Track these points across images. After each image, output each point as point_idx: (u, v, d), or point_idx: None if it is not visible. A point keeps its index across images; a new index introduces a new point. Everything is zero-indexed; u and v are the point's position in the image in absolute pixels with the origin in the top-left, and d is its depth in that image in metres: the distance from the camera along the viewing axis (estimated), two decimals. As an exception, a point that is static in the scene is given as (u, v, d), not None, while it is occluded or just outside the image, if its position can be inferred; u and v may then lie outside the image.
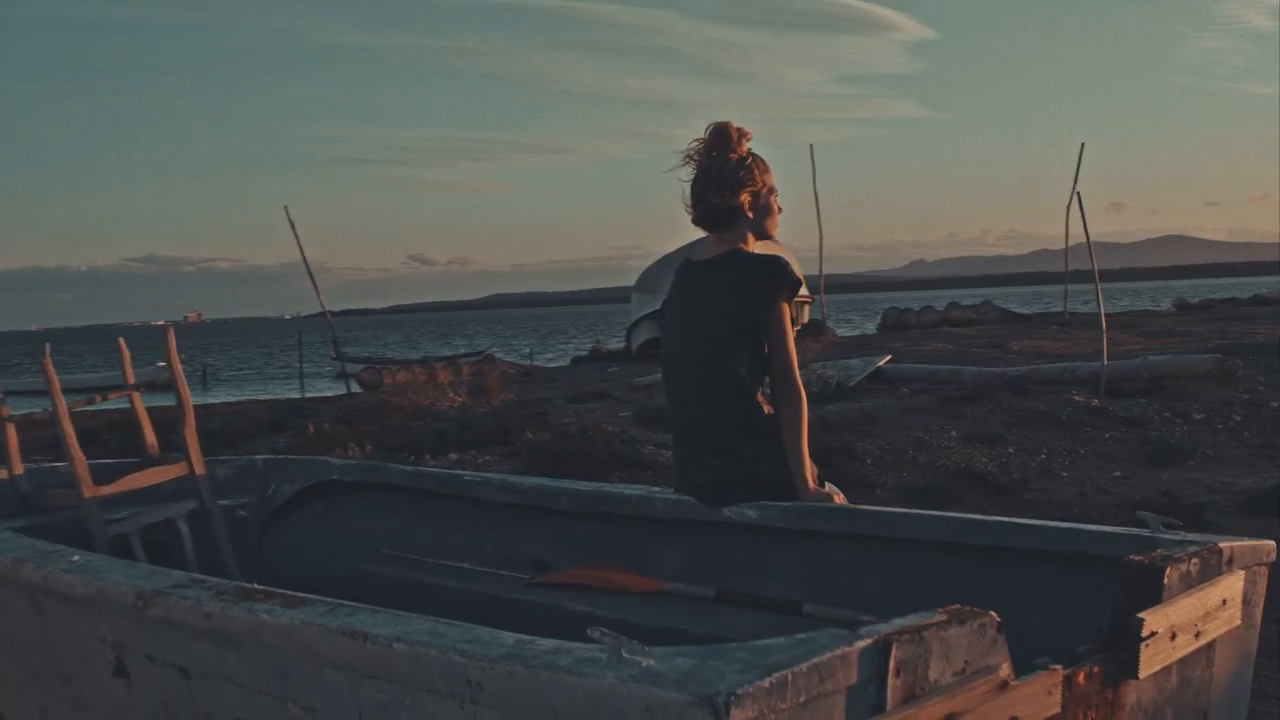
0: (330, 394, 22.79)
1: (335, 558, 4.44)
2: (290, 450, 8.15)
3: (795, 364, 3.52)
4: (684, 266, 3.67)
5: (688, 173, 3.66)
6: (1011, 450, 8.03)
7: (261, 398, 23.19)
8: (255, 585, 2.38)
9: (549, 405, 12.02)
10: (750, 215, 3.58)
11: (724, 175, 3.52)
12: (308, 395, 22.28)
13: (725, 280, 3.48)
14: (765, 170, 3.60)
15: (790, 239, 29.43)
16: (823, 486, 3.53)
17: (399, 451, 7.93)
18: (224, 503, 4.54)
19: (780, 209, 3.66)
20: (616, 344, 33.70)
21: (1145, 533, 2.71)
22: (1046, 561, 2.89)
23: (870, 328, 35.90)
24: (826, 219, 28.24)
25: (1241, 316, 23.31)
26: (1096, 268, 10.41)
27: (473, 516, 4.22)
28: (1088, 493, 7.12)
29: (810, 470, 3.52)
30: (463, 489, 4.21)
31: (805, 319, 29.19)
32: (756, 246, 3.63)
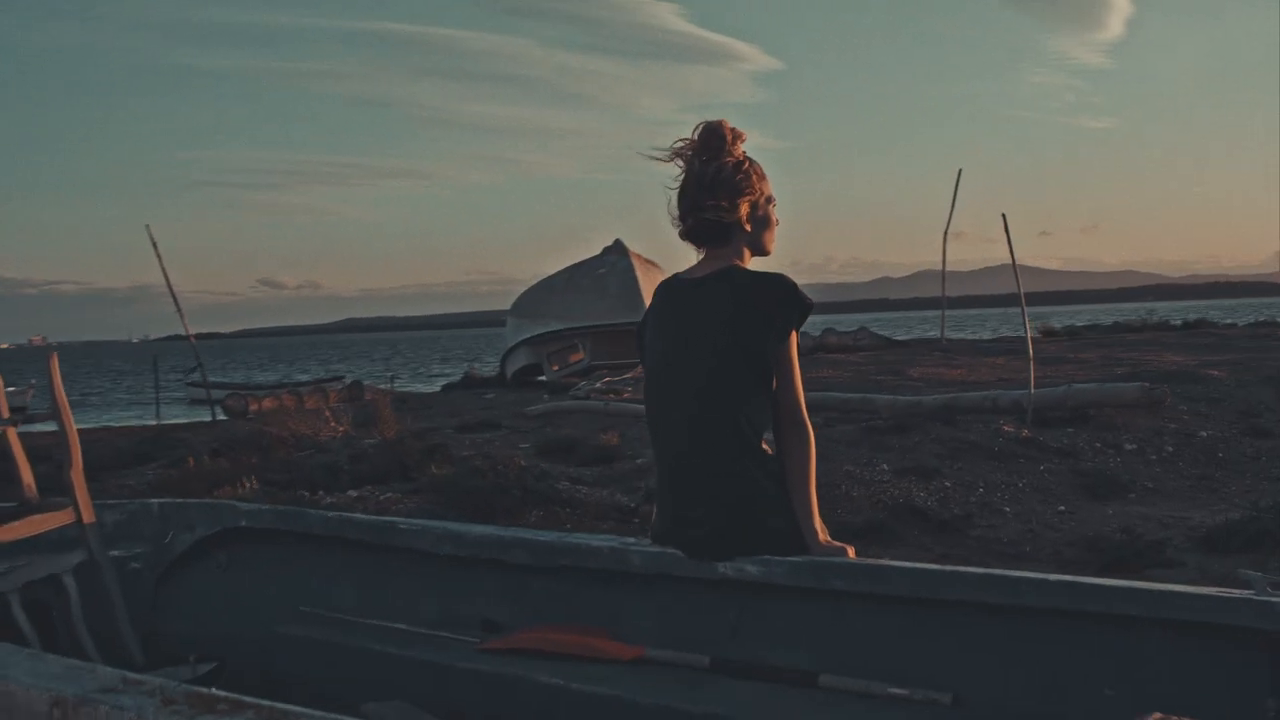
0: (187, 420, 21.87)
1: (245, 617, 3.96)
2: (166, 486, 7.56)
3: (803, 400, 3.18)
4: (668, 286, 3.30)
5: (671, 178, 3.31)
6: (949, 484, 7.82)
7: (116, 425, 22.20)
8: (217, 692, 1.93)
9: (438, 435, 11.53)
10: (748, 228, 3.24)
11: (719, 183, 3.17)
12: (165, 421, 21.37)
13: (722, 301, 3.13)
14: (763, 177, 3.26)
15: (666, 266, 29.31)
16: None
17: (289, 487, 7.40)
18: (115, 554, 4.04)
19: (778, 221, 3.33)
20: (490, 370, 33.25)
21: (1249, 594, 2.42)
22: (1123, 627, 2.59)
23: None
24: (677, 247, 28.22)
25: (1121, 343, 23.76)
26: (1022, 291, 10.33)
27: (408, 570, 3.79)
28: (1036, 529, 6.93)
29: (819, 521, 3.19)
30: (396, 539, 3.77)
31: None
32: (752, 264, 3.30)
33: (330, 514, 4.06)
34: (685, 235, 3.26)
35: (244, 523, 4.08)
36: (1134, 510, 7.46)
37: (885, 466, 8.16)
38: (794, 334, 3.13)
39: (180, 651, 3.92)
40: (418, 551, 3.73)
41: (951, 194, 17.40)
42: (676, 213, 3.27)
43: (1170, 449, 9.17)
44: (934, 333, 33.47)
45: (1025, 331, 10.65)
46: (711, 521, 3.12)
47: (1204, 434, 9.63)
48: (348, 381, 32.70)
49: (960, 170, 16.35)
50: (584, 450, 8.87)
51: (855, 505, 7.35)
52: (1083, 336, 29.53)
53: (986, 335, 36.26)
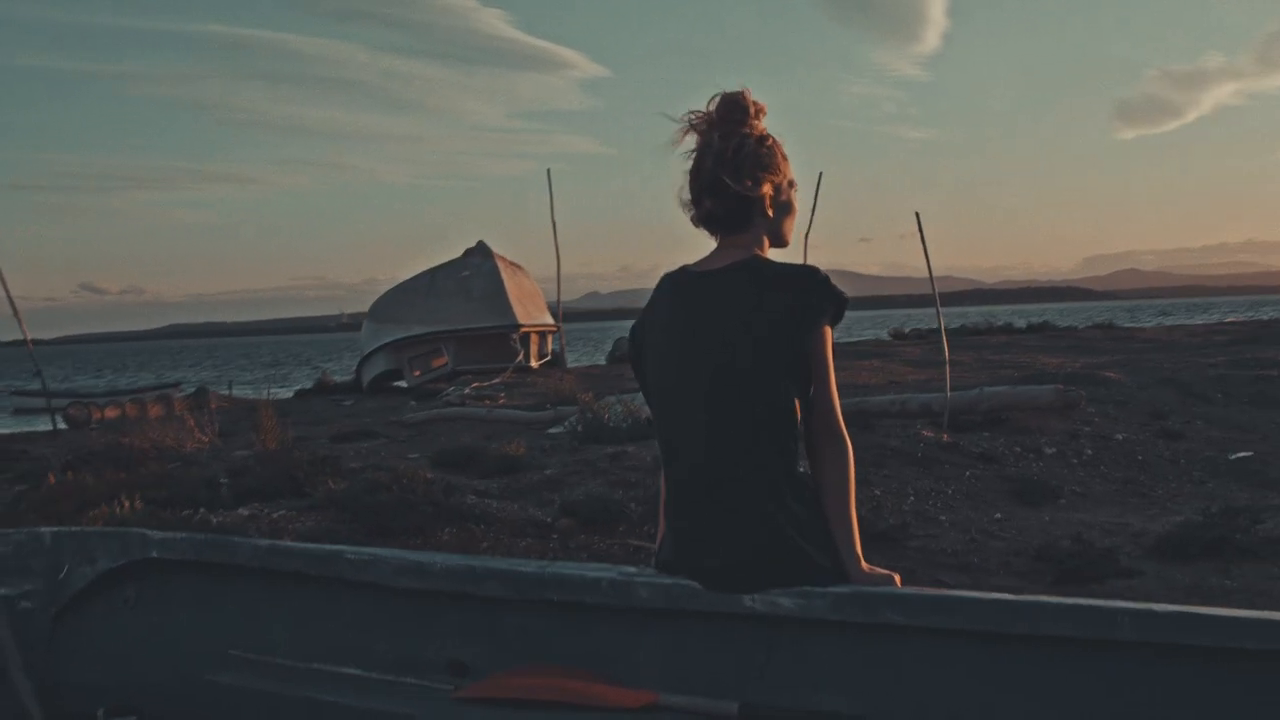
0: (22, 431, 20.69)
1: (163, 663, 3.49)
2: (24, 506, 6.91)
3: (839, 407, 2.87)
4: (678, 279, 2.95)
5: (682, 157, 2.98)
6: (878, 492, 7.61)
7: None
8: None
9: (313, 446, 10.96)
10: (770, 214, 2.92)
11: (742, 159, 2.84)
12: (-3, 432, 20.20)
13: (745, 296, 2.79)
14: (785, 158, 2.94)
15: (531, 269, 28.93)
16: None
17: (171, 506, 6.83)
18: (1, 592, 3.54)
19: (797, 209, 3.02)
20: (343, 376, 32.48)
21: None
22: (1245, 662, 2.32)
23: (599, 358, 35.59)
24: (510, 253, 28.03)
25: (980, 346, 24.09)
26: (936, 293, 10.22)
27: (358, 606, 3.36)
28: (976, 538, 6.75)
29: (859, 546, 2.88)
30: (344, 570, 3.35)
31: (549, 350, 28.74)
32: (771, 255, 2.98)
33: (261, 542, 3.62)
34: (700, 220, 2.93)
35: (155, 553, 3.61)
36: (1070, 516, 7.34)
37: (803, 470, 7.89)
38: (828, 332, 2.82)
39: (87, 704, 3.45)
40: (370, 584, 3.32)
41: (816, 194, 17.48)
42: (688, 195, 2.93)
43: (1090, 452, 9.14)
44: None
45: (941, 335, 10.53)
46: (736, 548, 2.78)
47: (1119, 437, 9.63)
48: (186, 389, 31.59)
49: (821, 173, 16.49)
50: (485, 460, 8.44)
51: (785, 516, 7.07)
52: (930, 340, 29.94)
53: (843, 339, 36.79)
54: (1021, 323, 35.81)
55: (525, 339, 27.29)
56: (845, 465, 2.85)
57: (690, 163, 2.91)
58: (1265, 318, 40.16)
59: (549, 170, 26.11)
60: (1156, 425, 10.13)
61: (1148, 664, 2.41)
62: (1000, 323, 36.03)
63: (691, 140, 2.93)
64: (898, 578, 2.83)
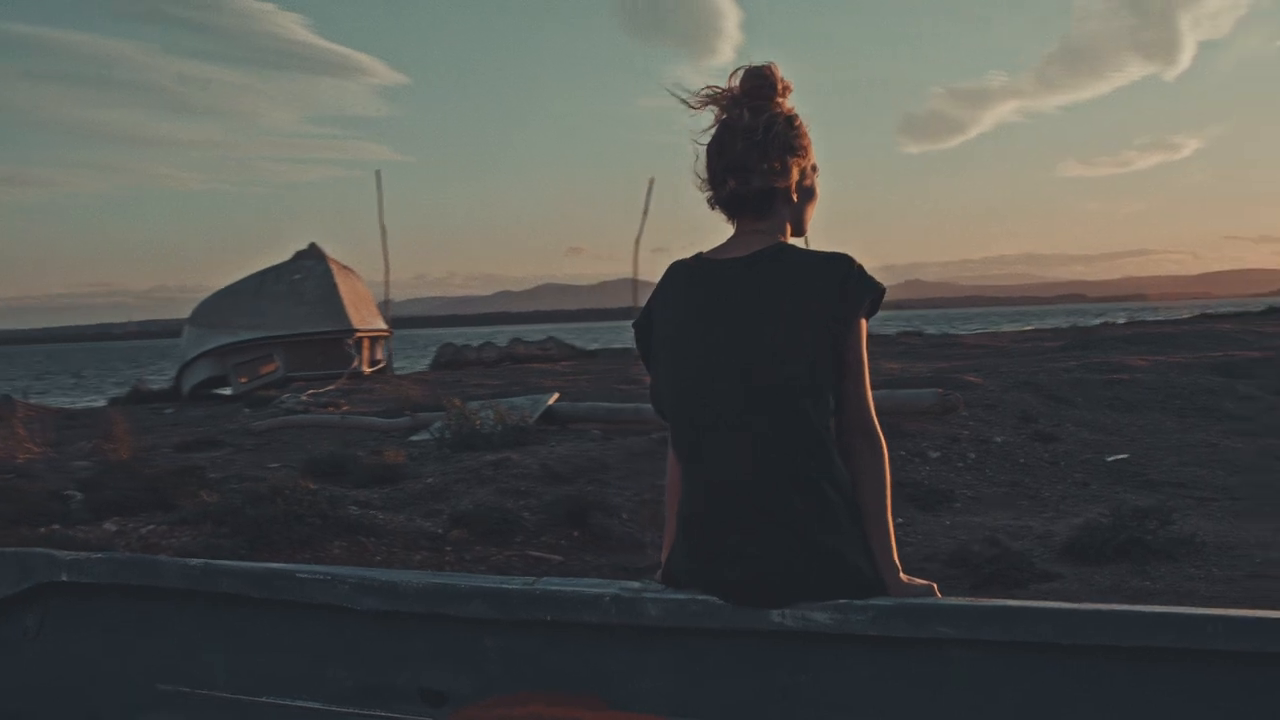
0: None
1: (79, 700, 3.11)
2: None
3: (872, 403, 2.68)
4: (696, 268, 2.71)
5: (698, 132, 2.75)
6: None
7: None
8: None
9: (160, 456, 10.38)
10: (794, 198, 2.71)
11: (772, 138, 2.63)
12: None
13: (780, 286, 2.58)
14: (810, 141, 2.75)
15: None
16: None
17: (19, 523, 6.29)
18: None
19: (818, 195, 2.82)
20: (161, 383, 31.30)
21: None
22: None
23: (420, 364, 34.98)
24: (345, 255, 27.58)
25: None
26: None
27: (308, 632, 3.03)
28: (886, 545, 6.65)
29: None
30: (294, 592, 3.01)
31: (381, 356, 28.17)
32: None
33: (193, 562, 3.25)
34: (723, 202, 2.70)
35: (65, 576, 3.21)
36: (969, 520, 7.34)
37: (704, 481, 7.73)
38: (864, 324, 2.62)
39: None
40: (326, 607, 2.99)
41: (647, 200, 17.42)
42: (706, 175, 2.70)
43: (973, 456, 9.19)
44: (618, 345, 35.27)
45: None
46: (768, 558, 2.56)
47: (998, 440, 9.72)
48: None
49: (652, 179, 16.50)
50: (358, 469, 8.05)
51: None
52: None
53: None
54: None
55: (359, 344, 26.70)
56: (882, 465, 2.66)
57: (710, 140, 2.69)
58: (1086, 324, 41.74)
59: (378, 171, 25.63)
60: (1029, 428, 10.27)
61: (1231, 671, 2.27)
62: None
63: (705, 117, 2.71)
64: (936, 588, 2.65)
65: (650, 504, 7.18)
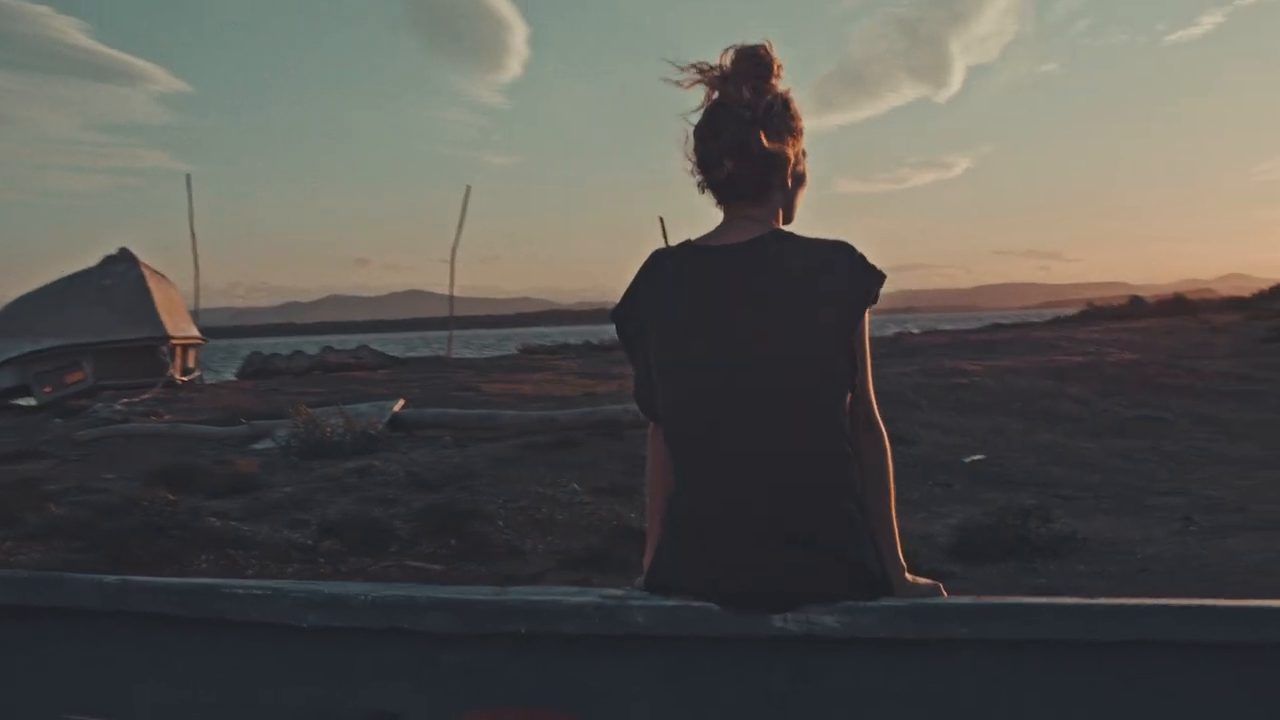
0: None
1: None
2: None
3: (874, 394, 2.56)
4: (689, 256, 2.53)
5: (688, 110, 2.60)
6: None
7: None
8: None
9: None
10: (789, 184, 2.58)
11: (772, 117, 2.50)
12: None
13: (788, 275, 2.44)
14: (803, 124, 2.63)
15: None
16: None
17: None
18: None
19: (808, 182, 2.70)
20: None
21: None
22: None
23: (226, 374, 33.93)
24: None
25: (616, 359, 24.67)
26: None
27: (246, 653, 2.76)
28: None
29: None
30: (228, 609, 2.73)
31: (194, 365, 27.20)
32: None
33: (108, 579, 2.93)
34: (716, 185, 2.54)
35: None
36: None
37: (577, 486, 7.57)
38: (867, 314, 2.51)
39: None
40: (263, 625, 2.72)
41: (463, 211, 17.31)
42: (697, 157, 2.55)
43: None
44: (426, 352, 35.99)
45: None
46: (782, 563, 2.41)
47: (856, 443, 9.76)
48: None
49: (469, 187, 16.35)
50: (210, 480, 7.64)
51: (565, 530, 6.72)
52: (582, 353, 30.07)
53: (489, 352, 36.88)
54: None
55: (173, 352, 25.74)
56: (887, 461, 2.54)
57: (701, 120, 2.54)
58: (882, 335, 42.68)
59: (188, 175, 24.80)
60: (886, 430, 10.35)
61: (1253, 664, 2.22)
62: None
63: (695, 97, 2.56)
64: (942, 587, 2.55)
65: (525, 510, 6.99)
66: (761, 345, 2.41)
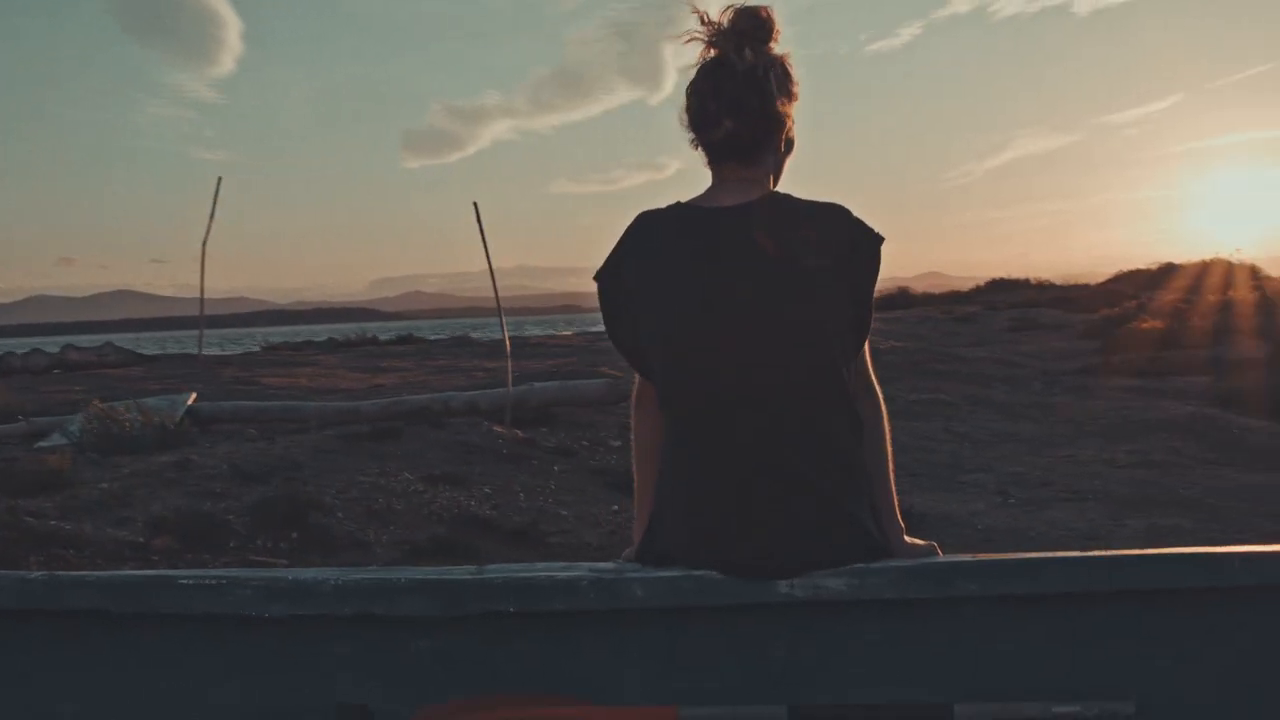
0: None
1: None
2: None
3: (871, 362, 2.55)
4: (687, 216, 2.46)
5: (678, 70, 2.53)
6: (488, 489, 7.22)
7: None
8: None
9: None
10: (781, 147, 2.54)
11: (773, 77, 2.45)
12: None
13: (793, 236, 2.40)
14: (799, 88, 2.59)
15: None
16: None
17: None
18: None
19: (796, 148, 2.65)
20: None
21: None
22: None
23: None
24: None
25: (385, 355, 24.40)
26: (500, 301, 9.92)
27: (200, 648, 2.54)
28: (615, 530, 6.57)
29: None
30: (176, 603, 2.51)
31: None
32: None
33: (32, 575, 2.66)
34: (715, 144, 2.47)
35: None
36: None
37: (409, 475, 7.36)
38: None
39: None
40: (220, 618, 2.51)
41: (214, 203, 16.80)
42: (694, 115, 2.47)
43: (651, 443, 9.24)
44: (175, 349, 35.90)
45: (504, 334, 10.21)
46: (793, 529, 2.36)
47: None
48: None
49: (220, 178, 15.88)
50: (14, 479, 7.09)
51: (406, 519, 6.52)
52: (314, 350, 29.42)
53: (235, 349, 35.79)
54: (386, 336, 36.27)
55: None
56: (884, 424, 2.53)
57: (699, 77, 2.46)
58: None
59: None
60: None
61: (1256, 606, 2.30)
62: (370, 335, 36.22)
63: (687, 55, 2.49)
64: (937, 546, 2.54)
65: (359, 501, 6.75)
66: (768, 309, 2.35)
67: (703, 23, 2.47)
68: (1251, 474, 7.81)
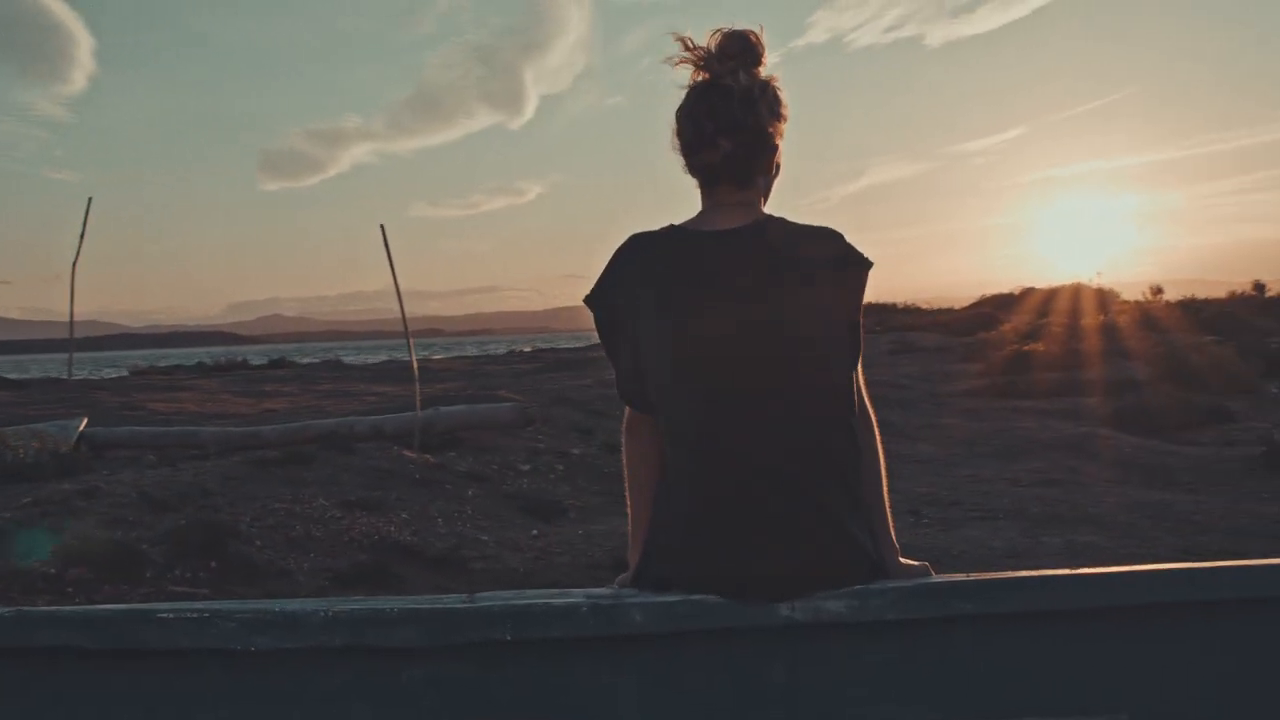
0: None
1: None
2: None
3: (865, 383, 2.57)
4: (680, 239, 2.46)
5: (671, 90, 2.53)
6: (405, 515, 7.10)
7: None
8: None
9: None
10: (770, 171, 2.55)
11: (766, 100, 2.46)
12: None
13: (790, 260, 2.42)
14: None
15: None
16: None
17: None
18: None
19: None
20: None
21: None
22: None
23: None
24: None
25: (267, 379, 24.03)
26: (407, 322, 9.76)
27: (181, 685, 2.45)
28: (539, 555, 6.52)
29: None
30: (155, 639, 2.43)
31: None
32: None
33: (2, 611, 2.55)
34: (708, 167, 2.47)
35: None
36: (603, 528, 7.32)
37: (324, 501, 7.20)
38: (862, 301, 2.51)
39: None
40: (201, 652, 2.43)
41: (84, 223, 16.39)
42: (688, 137, 2.47)
43: (561, 468, 9.21)
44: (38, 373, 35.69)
45: (411, 358, 10.04)
46: (797, 552, 2.36)
47: (575, 451, 9.81)
48: None
49: (90, 199, 15.63)
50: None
51: (327, 546, 6.38)
52: (186, 373, 28.81)
53: (99, 374, 34.93)
54: (256, 360, 35.84)
55: None
56: (878, 444, 2.55)
57: (692, 100, 2.46)
58: (563, 349, 43.28)
59: None
60: (593, 440, 10.44)
61: (1241, 620, 2.36)
62: (241, 359, 35.80)
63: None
64: (930, 566, 2.56)
65: (276, 528, 6.59)
66: (767, 332, 2.36)
67: (686, 48, 2.47)
68: (1149, 491, 8.04)
